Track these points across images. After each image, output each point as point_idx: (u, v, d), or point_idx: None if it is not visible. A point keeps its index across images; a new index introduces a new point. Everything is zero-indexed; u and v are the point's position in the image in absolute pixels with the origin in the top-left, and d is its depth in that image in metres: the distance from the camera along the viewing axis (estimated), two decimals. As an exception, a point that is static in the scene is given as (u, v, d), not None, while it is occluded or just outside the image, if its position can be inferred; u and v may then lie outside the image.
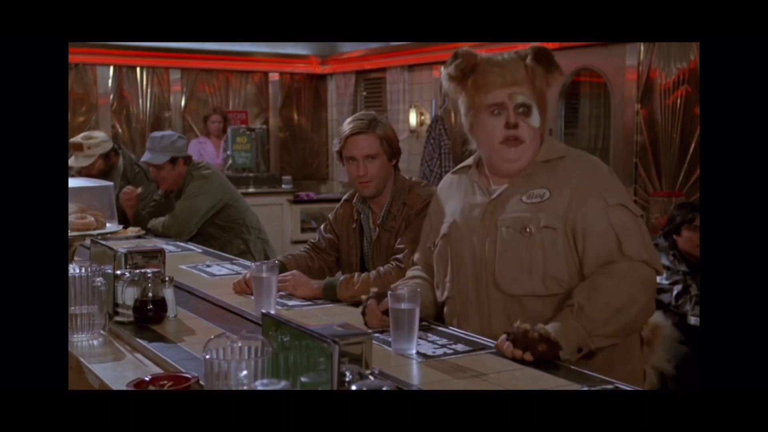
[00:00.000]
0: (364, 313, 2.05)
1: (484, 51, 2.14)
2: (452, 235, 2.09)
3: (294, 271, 2.56)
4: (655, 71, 4.74)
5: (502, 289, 1.97)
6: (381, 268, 2.45)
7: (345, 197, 2.81)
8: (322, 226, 2.84)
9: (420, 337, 1.90)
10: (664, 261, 3.79)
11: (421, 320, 1.90)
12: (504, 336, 1.80)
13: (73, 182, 3.22)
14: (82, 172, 4.11)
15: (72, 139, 4.19)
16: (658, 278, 3.84)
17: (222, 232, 3.90)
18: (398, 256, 2.46)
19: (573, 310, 1.81)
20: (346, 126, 2.60)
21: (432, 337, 1.98)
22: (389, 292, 1.86)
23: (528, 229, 1.92)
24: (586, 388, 1.57)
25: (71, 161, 4.09)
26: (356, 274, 2.46)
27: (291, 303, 2.39)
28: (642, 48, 4.79)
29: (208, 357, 1.37)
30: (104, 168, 4.17)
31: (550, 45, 2.18)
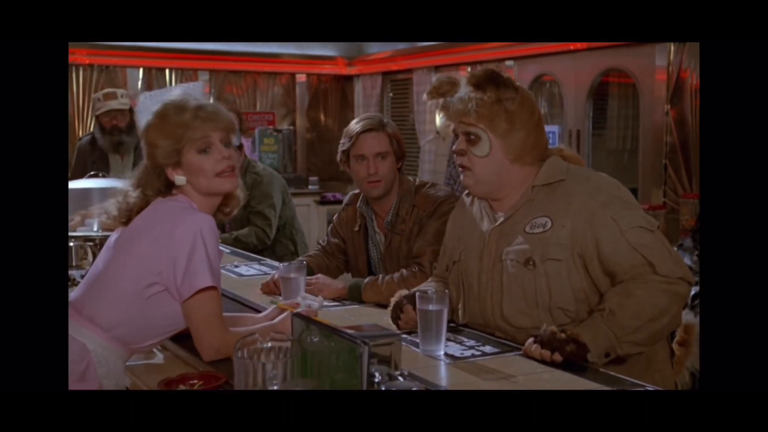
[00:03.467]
0: (398, 316, 2.05)
1: (511, 52, 2.13)
2: (462, 263, 2.08)
3: (318, 275, 2.58)
4: (685, 71, 4.68)
5: (509, 321, 1.95)
6: (404, 271, 2.44)
7: (346, 201, 2.79)
8: (328, 229, 2.84)
9: (448, 339, 1.90)
10: (687, 261, 3.76)
11: (448, 322, 1.89)
12: (531, 339, 1.79)
13: (106, 183, 3.25)
14: (113, 123, 4.22)
15: (102, 91, 4.44)
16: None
17: (275, 231, 3.88)
18: (418, 259, 2.45)
19: (604, 314, 1.79)
20: (355, 125, 2.57)
21: (460, 338, 1.97)
22: (417, 294, 1.86)
23: (532, 262, 1.90)
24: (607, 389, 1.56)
25: (107, 105, 4.20)
26: (380, 276, 2.46)
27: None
28: (672, 48, 4.74)
29: (238, 357, 1.38)
30: (130, 122, 4.26)
31: (575, 45, 2.16)
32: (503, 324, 1.97)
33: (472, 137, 1.98)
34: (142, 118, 1.84)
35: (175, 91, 1.88)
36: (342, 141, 2.60)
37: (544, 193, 1.97)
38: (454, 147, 2.04)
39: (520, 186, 2.00)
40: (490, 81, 1.96)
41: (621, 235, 1.85)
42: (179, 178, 1.81)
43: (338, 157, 2.63)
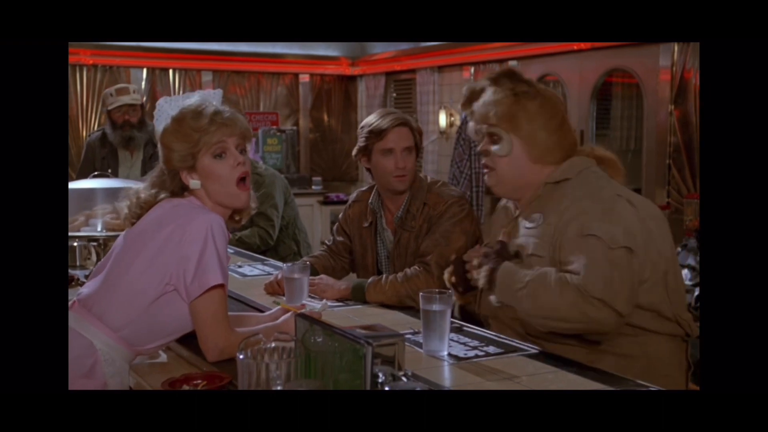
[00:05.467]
0: (459, 269, 2.05)
1: (515, 52, 2.16)
2: None
3: (321, 275, 2.57)
4: (689, 72, 4.68)
5: (508, 313, 1.97)
6: (408, 270, 2.43)
7: (354, 198, 2.79)
8: (334, 229, 2.84)
9: (451, 339, 1.90)
10: (691, 262, 3.76)
11: (452, 321, 1.90)
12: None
13: (110, 183, 3.26)
14: (125, 118, 4.21)
15: (114, 87, 4.38)
16: (684, 278, 3.78)
17: (278, 231, 3.88)
18: (424, 258, 2.44)
19: (528, 281, 1.83)
20: (382, 121, 2.55)
21: (464, 338, 1.97)
22: (421, 294, 1.86)
23: (518, 256, 1.93)
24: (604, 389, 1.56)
25: (119, 101, 4.20)
26: (384, 276, 2.46)
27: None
28: (676, 48, 4.73)
29: (242, 357, 1.39)
30: (141, 117, 4.25)
31: (579, 45, 2.17)
32: (503, 317, 2.00)
33: (494, 137, 2.03)
34: (160, 123, 1.85)
35: (193, 96, 1.89)
36: (364, 136, 2.58)
37: (550, 190, 1.99)
38: (478, 148, 2.09)
39: (542, 185, 2.03)
40: (504, 75, 2.03)
41: (576, 242, 1.83)
42: (194, 182, 1.83)
43: (355, 151, 2.62)
